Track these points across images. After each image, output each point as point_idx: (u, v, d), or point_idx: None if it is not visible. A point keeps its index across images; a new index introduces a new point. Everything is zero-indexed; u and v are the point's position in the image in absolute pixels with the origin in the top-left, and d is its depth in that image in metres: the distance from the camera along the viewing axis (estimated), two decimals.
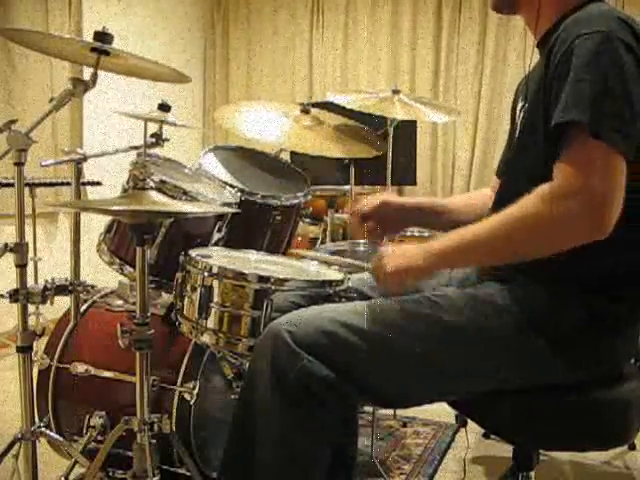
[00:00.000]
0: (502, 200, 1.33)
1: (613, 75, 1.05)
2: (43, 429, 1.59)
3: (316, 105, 2.28)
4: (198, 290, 1.36)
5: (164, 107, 1.87)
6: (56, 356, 1.78)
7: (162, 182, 1.67)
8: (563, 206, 1.03)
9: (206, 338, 1.37)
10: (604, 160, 1.03)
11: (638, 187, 1.09)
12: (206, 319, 1.35)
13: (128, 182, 1.76)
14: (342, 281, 1.37)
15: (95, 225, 1.87)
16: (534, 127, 1.18)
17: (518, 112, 1.33)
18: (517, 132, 1.30)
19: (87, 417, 1.70)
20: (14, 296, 1.49)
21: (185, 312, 1.41)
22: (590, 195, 1.02)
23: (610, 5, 1.20)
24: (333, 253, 2.20)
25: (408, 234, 3.20)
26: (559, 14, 1.22)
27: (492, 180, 1.53)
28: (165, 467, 1.64)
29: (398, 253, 1.20)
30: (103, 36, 1.42)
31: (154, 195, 1.41)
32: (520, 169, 1.27)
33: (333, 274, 1.47)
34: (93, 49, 1.44)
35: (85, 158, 1.66)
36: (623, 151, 1.03)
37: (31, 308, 2.50)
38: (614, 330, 1.19)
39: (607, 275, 1.16)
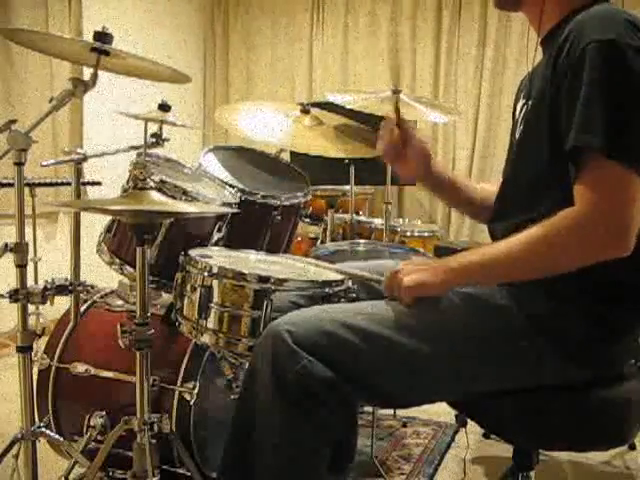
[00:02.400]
0: (504, 199, 1.34)
1: (625, 90, 1.06)
2: (43, 429, 1.59)
3: (316, 105, 2.28)
4: (198, 290, 1.36)
5: (164, 107, 1.87)
6: (56, 356, 1.78)
7: (162, 182, 1.67)
8: (587, 232, 1.06)
9: (206, 338, 1.37)
10: (622, 182, 1.05)
11: None
12: (206, 319, 1.35)
13: (128, 182, 1.76)
14: (342, 281, 1.37)
15: (95, 225, 1.87)
16: (537, 127, 1.18)
17: (519, 109, 1.33)
18: (518, 130, 1.29)
19: (87, 417, 1.70)
20: (14, 296, 1.49)
21: (185, 312, 1.41)
22: (613, 220, 1.05)
23: (616, 5, 1.20)
24: (333, 253, 2.20)
25: (408, 234, 3.20)
26: (565, 12, 1.22)
27: (493, 178, 1.54)
28: (165, 467, 1.64)
29: (414, 268, 1.21)
30: (103, 36, 1.42)
31: (154, 195, 1.41)
32: (522, 169, 1.27)
33: (333, 274, 1.47)
34: (93, 49, 1.44)
35: (85, 158, 1.66)
36: (638, 169, 1.05)
37: (31, 308, 2.49)
38: (614, 330, 1.19)
39: (607, 277, 1.16)
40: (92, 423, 1.69)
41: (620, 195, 1.05)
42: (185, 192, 1.68)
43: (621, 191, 1.05)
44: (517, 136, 1.30)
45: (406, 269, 1.21)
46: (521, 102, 1.33)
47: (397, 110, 1.49)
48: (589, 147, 1.05)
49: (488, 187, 1.52)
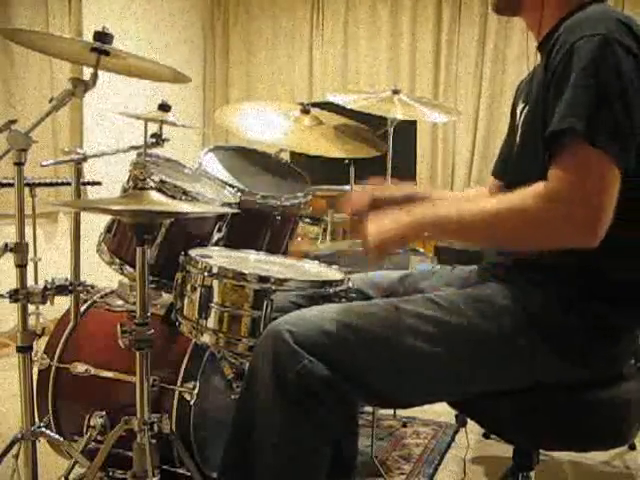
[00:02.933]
0: None
1: (612, 83, 1.05)
2: (43, 429, 1.59)
3: (316, 105, 2.28)
4: (198, 290, 1.36)
5: (164, 107, 1.87)
6: (56, 356, 1.78)
7: (162, 182, 1.67)
8: (556, 208, 1.04)
9: (206, 338, 1.37)
10: (599, 168, 1.03)
11: (637, 194, 1.10)
12: (206, 319, 1.35)
13: (128, 182, 1.76)
14: (342, 281, 1.37)
15: (95, 225, 1.87)
16: (535, 132, 1.18)
17: (519, 114, 1.32)
18: (518, 136, 1.29)
19: (87, 417, 1.70)
20: (14, 296, 1.49)
21: (185, 312, 1.41)
22: (583, 202, 1.03)
23: (610, 6, 1.20)
24: (333, 253, 2.20)
25: None
26: (561, 14, 1.22)
27: (489, 180, 1.53)
28: (165, 467, 1.64)
29: (384, 222, 1.16)
30: (103, 36, 1.42)
31: (154, 195, 1.41)
32: (522, 173, 1.27)
33: (333, 274, 1.47)
34: (93, 49, 1.43)
35: (85, 158, 1.66)
36: (619, 161, 1.03)
37: (31, 308, 2.49)
38: (614, 331, 1.19)
39: (607, 277, 1.16)
40: (92, 423, 1.69)
41: (595, 180, 1.03)
42: (185, 192, 1.68)
43: (597, 176, 1.03)
44: (518, 140, 1.30)
45: (374, 224, 1.17)
46: (520, 106, 1.32)
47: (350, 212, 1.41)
48: (571, 130, 1.04)
49: (478, 194, 1.51)
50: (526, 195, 1.07)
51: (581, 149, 1.04)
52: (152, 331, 1.43)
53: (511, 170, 1.35)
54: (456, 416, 2.24)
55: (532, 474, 1.35)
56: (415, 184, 3.03)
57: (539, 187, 1.06)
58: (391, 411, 2.56)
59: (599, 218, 1.03)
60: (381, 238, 1.15)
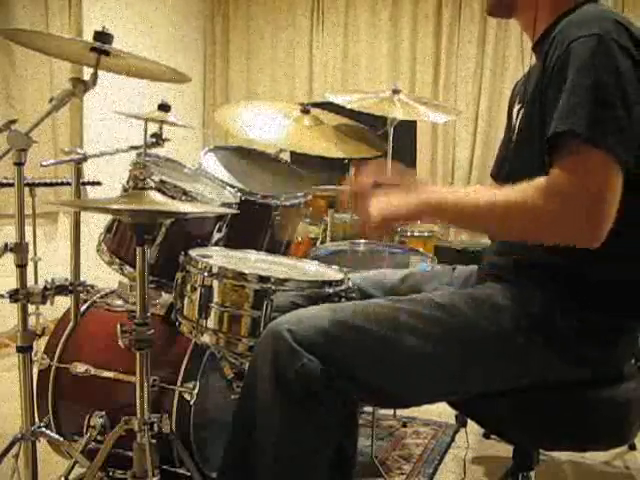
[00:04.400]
0: None
1: (610, 81, 1.05)
2: (43, 429, 1.59)
3: (316, 105, 2.28)
4: (198, 290, 1.36)
5: (164, 107, 1.87)
6: (56, 356, 1.78)
7: (162, 182, 1.67)
8: (556, 203, 1.04)
9: (206, 338, 1.37)
10: (601, 167, 1.03)
11: (637, 197, 1.10)
12: (206, 319, 1.35)
13: (128, 182, 1.76)
14: (342, 281, 1.37)
15: (95, 225, 1.87)
16: (531, 132, 1.18)
17: (515, 114, 1.32)
18: (514, 137, 1.29)
19: (87, 417, 1.70)
20: (14, 296, 1.49)
21: (185, 312, 1.41)
22: (584, 201, 1.03)
23: (606, 6, 1.19)
24: (333, 253, 2.20)
25: (408, 234, 3.20)
26: (555, 15, 1.22)
27: (489, 181, 1.53)
28: (165, 467, 1.64)
29: (388, 198, 1.18)
30: (103, 36, 1.42)
31: (154, 195, 1.41)
32: (519, 174, 1.26)
33: (333, 274, 1.47)
34: (93, 49, 1.44)
35: (85, 158, 1.66)
36: (621, 158, 1.03)
37: (31, 308, 2.49)
38: (613, 331, 1.19)
39: (607, 277, 1.16)
40: (92, 423, 1.69)
41: (596, 180, 1.03)
42: (185, 192, 1.68)
43: (598, 176, 1.03)
44: (514, 140, 1.30)
45: (379, 200, 1.18)
46: (517, 107, 1.32)
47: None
48: (569, 133, 1.04)
49: None
50: (528, 188, 1.07)
51: (582, 150, 1.04)
52: (152, 331, 1.43)
53: (507, 170, 1.36)
54: (456, 416, 2.24)
55: (532, 474, 1.35)
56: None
57: (540, 181, 1.06)
58: (391, 411, 2.56)
59: (600, 218, 1.03)
60: (384, 214, 1.16)
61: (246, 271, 1.34)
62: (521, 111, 1.28)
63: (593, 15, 1.12)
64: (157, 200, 1.40)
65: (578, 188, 1.03)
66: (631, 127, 1.05)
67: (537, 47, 1.28)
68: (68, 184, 1.83)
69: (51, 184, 2.89)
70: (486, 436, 2.32)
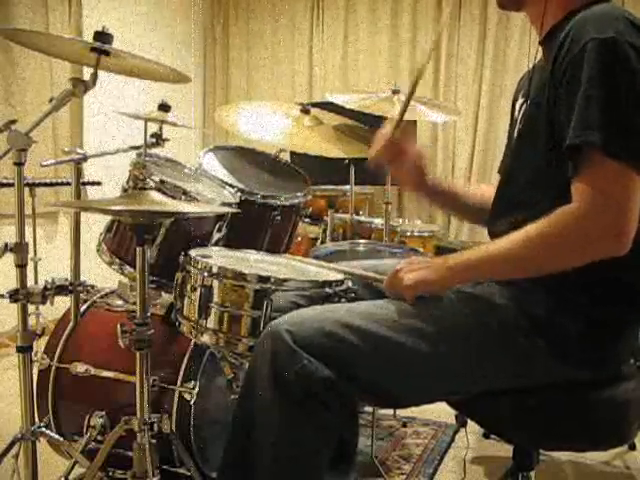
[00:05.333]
0: (502, 198, 1.34)
1: (625, 86, 1.05)
2: (43, 429, 1.59)
3: (316, 105, 2.28)
4: (198, 290, 1.36)
5: (164, 107, 1.87)
6: (56, 356, 1.78)
7: (162, 182, 1.67)
8: (585, 229, 1.06)
9: (206, 338, 1.37)
10: (621, 179, 1.05)
11: None
12: (206, 319, 1.35)
13: (128, 182, 1.76)
14: (342, 281, 1.37)
15: (95, 225, 1.87)
16: (535, 130, 1.18)
17: (518, 108, 1.33)
18: (516, 130, 1.29)
19: (87, 417, 1.70)
20: (14, 296, 1.49)
21: (185, 312, 1.41)
22: (611, 215, 1.05)
23: (617, 5, 1.19)
24: (333, 253, 2.20)
25: (408, 234, 3.20)
26: (566, 11, 1.22)
27: (493, 178, 1.53)
28: (165, 467, 1.64)
29: (415, 266, 1.22)
30: (103, 36, 1.42)
31: (154, 195, 1.41)
32: (520, 168, 1.27)
33: (333, 274, 1.47)
34: (93, 49, 1.43)
35: (85, 158, 1.66)
36: (638, 166, 1.04)
37: (31, 308, 2.49)
38: (613, 332, 1.19)
39: (607, 276, 1.16)
40: (92, 423, 1.69)
41: (618, 191, 1.04)
42: (185, 192, 1.68)
43: (619, 187, 1.04)
44: (515, 134, 1.30)
45: (406, 267, 1.22)
46: (520, 101, 1.33)
47: (402, 112, 1.48)
48: (588, 144, 1.05)
49: (489, 190, 1.52)
50: (557, 219, 1.08)
51: (600, 162, 1.05)
52: (152, 331, 1.43)
53: (508, 164, 1.36)
54: (456, 416, 2.24)
55: (532, 474, 1.35)
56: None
57: (565, 209, 1.08)
58: (391, 411, 2.56)
59: (627, 228, 1.05)
60: (416, 282, 1.19)
61: (246, 271, 1.34)
62: (524, 106, 1.28)
63: (606, 15, 1.12)
64: (157, 200, 1.40)
65: (603, 203, 1.05)
66: None
67: (545, 42, 1.27)
68: (68, 184, 1.83)
69: (51, 184, 2.89)
70: (486, 436, 2.32)
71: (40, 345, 1.82)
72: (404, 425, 2.51)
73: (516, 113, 1.33)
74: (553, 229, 1.09)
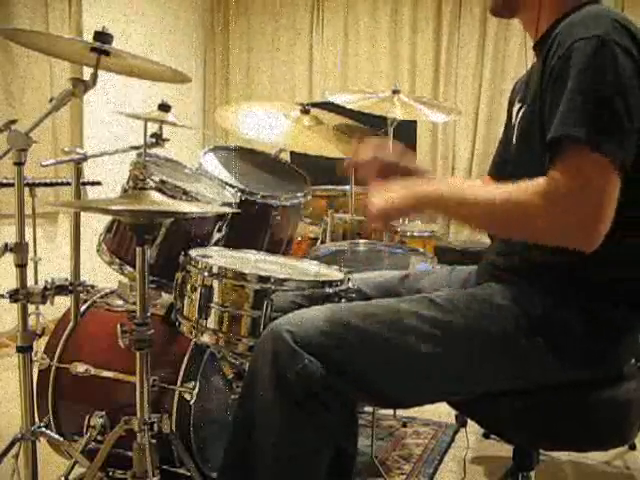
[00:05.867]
0: None
1: (610, 83, 1.05)
2: (43, 429, 1.59)
3: (316, 105, 2.28)
4: (198, 290, 1.36)
5: (164, 107, 1.87)
6: (56, 356, 1.78)
7: (162, 182, 1.67)
8: (553, 207, 1.04)
9: (206, 338, 1.37)
10: (600, 172, 1.03)
11: (638, 197, 1.10)
12: (206, 319, 1.35)
13: (128, 182, 1.76)
14: (342, 281, 1.37)
15: (95, 225, 1.87)
16: (531, 133, 1.18)
17: (515, 114, 1.32)
18: (515, 136, 1.29)
19: (87, 417, 1.70)
20: (14, 296, 1.49)
21: (185, 312, 1.41)
22: (580, 206, 1.03)
23: (607, 6, 1.19)
24: (333, 253, 2.20)
25: (408, 234, 3.20)
26: (557, 16, 1.22)
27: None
28: (165, 467, 1.64)
29: (388, 193, 1.19)
30: (103, 36, 1.42)
31: (154, 195, 1.41)
32: (519, 172, 1.26)
33: (333, 274, 1.47)
34: (93, 49, 1.43)
35: (85, 158, 1.66)
36: (620, 162, 1.04)
37: (31, 308, 2.49)
38: (614, 332, 1.19)
39: (606, 276, 1.16)
40: (92, 423, 1.69)
41: (596, 185, 1.03)
42: (185, 192, 1.68)
43: (598, 181, 1.03)
44: (514, 140, 1.30)
45: (380, 194, 1.20)
46: (517, 106, 1.32)
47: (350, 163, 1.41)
48: (570, 137, 1.04)
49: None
50: (528, 188, 1.07)
51: (581, 154, 1.04)
52: (152, 331, 1.43)
53: (510, 171, 1.35)
54: (456, 416, 2.24)
55: (532, 474, 1.35)
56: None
57: (540, 183, 1.06)
58: (391, 411, 2.56)
59: (597, 223, 1.03)
60: (385, 208, 1.18)
61: (246, 271, 1.34)
62: (521, 110, 1.28)
63: (594, 15, 1.12)
64: (157, 200, 1.40)
65: (576, 193, 1.03)
66: (632, 129, 1.05)
67: (538, 47, 1.28)
68: (68, 184, 1.83)
69: (51, 184, 2.89)
70: (486, 436, 2.32)
71: (40, 345, 1.82)
72: (404, 425, 2.51)
73: (513, 118, 1.33)
74: (523, 196, 1.07)
